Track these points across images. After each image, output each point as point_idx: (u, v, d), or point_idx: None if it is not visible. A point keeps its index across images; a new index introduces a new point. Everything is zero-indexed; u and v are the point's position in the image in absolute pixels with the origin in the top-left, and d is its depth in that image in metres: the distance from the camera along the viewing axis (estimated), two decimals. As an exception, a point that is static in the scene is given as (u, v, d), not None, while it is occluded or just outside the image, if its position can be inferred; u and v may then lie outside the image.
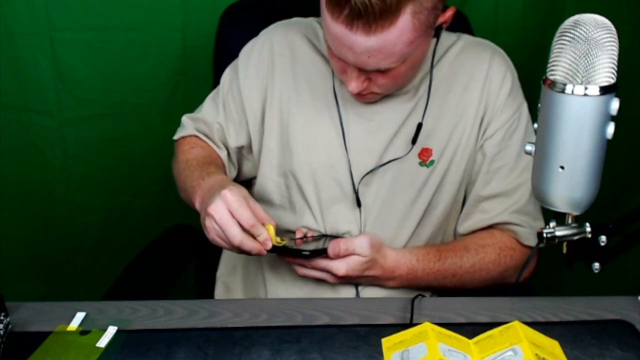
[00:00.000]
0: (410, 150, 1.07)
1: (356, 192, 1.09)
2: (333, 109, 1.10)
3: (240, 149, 1.18)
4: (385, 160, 1.08)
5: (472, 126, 1.09)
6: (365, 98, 1.06)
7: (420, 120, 1.07)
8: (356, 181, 1.09)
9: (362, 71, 0.97)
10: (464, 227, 1.14)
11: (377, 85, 1.01)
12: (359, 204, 1.09)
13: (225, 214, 0.93)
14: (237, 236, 0.93)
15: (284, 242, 1.00)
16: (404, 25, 0.89)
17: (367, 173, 1.08)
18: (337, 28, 0.91)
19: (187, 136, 1.20)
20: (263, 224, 0.96)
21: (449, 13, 0.98)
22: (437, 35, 1.00)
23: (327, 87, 1.11)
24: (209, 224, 0.95)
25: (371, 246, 1.03)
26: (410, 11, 0.89)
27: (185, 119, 1.23)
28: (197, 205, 1.03)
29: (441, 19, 0.97)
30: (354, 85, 0.99)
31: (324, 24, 0.95)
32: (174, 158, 1.22)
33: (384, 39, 0.90)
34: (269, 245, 0.96)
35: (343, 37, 0.91)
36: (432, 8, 0.92)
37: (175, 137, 1.23)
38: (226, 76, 1.19)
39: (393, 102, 1.08)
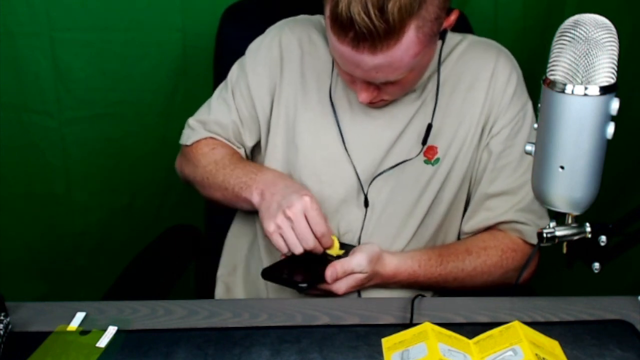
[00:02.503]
0: (421, 151, 1.07)
1: (365, 194, 1.09)
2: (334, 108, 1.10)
3: (254, 146, 1.18)
4: (391, 159, 1.08)
5: (477, 125, 1.09)
6: (375, 105, 1.07)
7: (427, 120, 1.07)
8: (363, 180, 1.09)
9: (371, 83, 0.99)
10: (469, 225, 1.14)
11: (386, 93, 1.02)
12: (366, 204, 1.09)
13: (303, 218, 0.97)
14: (311, 241, 0.98)
15: (342, 252, 1.04)
16: (409, 40, 0.90)
17: (378, 175, 1.08)
18: (344, 49, 0.92)
19: (202, 139, 1.18)
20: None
21: (453, 17, 0.98)
22: (442, 38, 1.00)
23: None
24: (281, 222, 0.98)
25: (369, 261, 1.01)
26: (414, 26, 0.89)
27: (193, 122, 1.20)
28: (256, 199, 1.04)
29: (445, 24, 0.97)
30: (364, 96, 1.00)
31: (330, 43, 0.96)
32: (190, 163, 1.18)
33: (391, 56, 0.91)
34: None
35: (350, 56, 0.93)
36: (435, 19, 0.92)
37: (189, 143, 1.19)
38: (233, 73, 1.18)
39: (399, 102, 1.09)
